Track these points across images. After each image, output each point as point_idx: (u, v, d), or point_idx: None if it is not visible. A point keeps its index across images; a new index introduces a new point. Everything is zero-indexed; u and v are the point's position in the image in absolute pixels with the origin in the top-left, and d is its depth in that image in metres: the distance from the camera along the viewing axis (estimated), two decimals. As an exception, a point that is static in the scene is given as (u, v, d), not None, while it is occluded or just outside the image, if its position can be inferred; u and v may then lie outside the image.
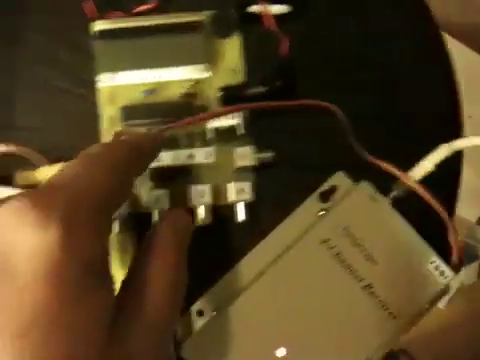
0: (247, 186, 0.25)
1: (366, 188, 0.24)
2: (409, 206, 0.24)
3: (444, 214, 0.23)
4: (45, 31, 0.27)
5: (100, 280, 0.17)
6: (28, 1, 0.27)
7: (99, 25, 0.26)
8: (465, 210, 0.70)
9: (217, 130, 0.25)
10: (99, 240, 0.17)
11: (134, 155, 0.20)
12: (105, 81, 0.26)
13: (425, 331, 0.64)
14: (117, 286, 0.24)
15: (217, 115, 0.24)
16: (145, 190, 0.26)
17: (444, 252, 0.25)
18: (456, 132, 0.26)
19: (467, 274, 0.81)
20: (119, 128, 0.26)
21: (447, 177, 0.26)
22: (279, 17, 0.25)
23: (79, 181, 0.17)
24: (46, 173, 0.25)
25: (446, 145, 0.25)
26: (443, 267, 0.24)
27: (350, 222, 0.24)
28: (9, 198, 0.16)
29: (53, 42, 0.27)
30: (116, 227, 0.25)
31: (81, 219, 0.16)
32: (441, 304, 0.78)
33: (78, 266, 0.15)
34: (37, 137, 0.26)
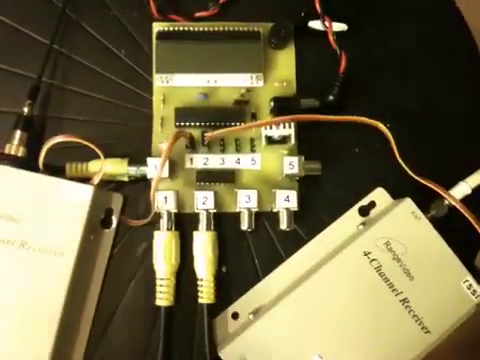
0: (293, 195, 0.26)
1: (409, 205, 0.25)
2: (446, 226, 0.26)
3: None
4: (106, 26, 0.28)
5: None
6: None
7: (160, 27, 0.27)
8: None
9: (267, 138, 0.26)
10: None
11: None
12: (161, 81, 0.27)
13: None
14: (163, 277, 0.25)
15: (271, 123, 0.25)
16: (190, 190, 0.26)
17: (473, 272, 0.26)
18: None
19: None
20: (171, 128, 0.27)
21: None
22: (336, 34, 0.26)
23: None
24: (97, 166, 0.26)
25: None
26: (475, 286, 0.25)
27: (392, 237, 0.25)
28: None
29: (114, 38, 0.27)
30: (163, 226, 0.25)
31: None
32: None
33: None
34: (90, 130, 0.27)
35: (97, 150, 0.24)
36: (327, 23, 0.25)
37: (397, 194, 0.27)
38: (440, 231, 0.25)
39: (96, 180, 0.24)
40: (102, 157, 0.25)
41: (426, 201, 0.26)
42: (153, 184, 0.24)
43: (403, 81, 0.28)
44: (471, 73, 0.29)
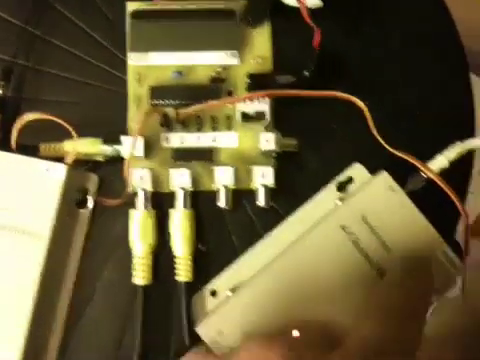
0: (269, 171, 0.26)
1: (385, 178, 0.25)
2: (423, 199, 0.26)
3: (460, 205, 0.24)
4: (80, 6, 0.27)
5: None
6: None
7: (134, 5, 0.27)
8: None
9: (243, 115, 0.26)
10: None
11: None
12: (136, 60, 0.26)
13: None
14: (140, 255, 0.25)
15: (245, 98, 0.25)
16: (167, 169, 0.26)
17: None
18: (469, 133, 0.28)
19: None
20: (146, 107, 0.26)
21: (457, 175, 0.28)
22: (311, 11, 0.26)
23: (396, 351, 0.18)
24: (71, 146, 0.25)
25: (460, 143, 0.26)
26: (453, 257, 0.25)
27: (368, 210, 0.24)
28: None
29: (88, 18, 0.27)
30: (139, 205, 0.25)
31: None
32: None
33: None
34: (64, 111, 0.26)
35: (68, 127, 0.24)
36: (300, -2, 0.25)
37: (376, 170, 0.27)
38: (421, 205, 0.25)
39: (69, 159, 0.24)
40: (74, 135, 0.24)
41: (405, 176, 0.26)
42: (126, 162, 0.24)
43: (380, 60, 0.28)
44: (452, 53, 0.29)
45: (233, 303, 0.24)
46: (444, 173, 0.26)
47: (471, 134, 0.28)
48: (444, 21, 0.29)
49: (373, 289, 0.21)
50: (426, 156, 0.27)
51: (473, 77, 0.29)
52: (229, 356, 0.17)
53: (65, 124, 0.24)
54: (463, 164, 0.27)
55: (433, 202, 0.25)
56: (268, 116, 0.26)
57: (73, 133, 0.24)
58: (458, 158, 0.26)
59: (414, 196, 0.26)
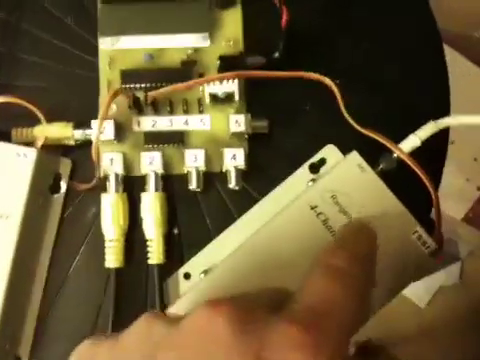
0: (241, 153, 0.26)
1: (355, 157, 0.25)
2: (395, 180, 0.25)
3: (431, 185, 0.24)
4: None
5: None
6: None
7: (103, -11, 0.27)
8: (450, 207, 0.72)
9: (213, 97, 0.26)
10: None
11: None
12: (106, 44, 0.26)
13: (406, 334, 0.63)
14: (112, 238, 0.25)
15: (212, 80, 0.25)
16: (139, 153, 0.26)
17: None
18: (444, 112, 0.27)
19: (448, 274, 0.82)
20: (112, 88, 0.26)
21: (433, 155, 0.27)
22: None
23: (341, 313, 0.17)
24: (43, 131, 0.25)
25: (433, 122, 0.25)
26: (426, 237, 0.24)
27: (338, 190, 0.24)
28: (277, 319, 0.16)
29: (60, 3, 0.27)
30: (111, 188, 0.25)
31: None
32: (421, 303, 0.79)
33: None
34: (37, 96, 0.26)
35: (37, 112, 0.24)
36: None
37: (349, 149, 0.26)
38: (398, 186, 0.25)
39: (39, 143, 0.24)
40: (43, 120, 0.25)
41: (378, 155, 0.26)
42: (94, 145, 0.24)
43: (353, 39, 0.28)
44: (427, 31, 0.28)
45: (204, 285, 0.24)
46: (419, 153, 0.26)
47: (446, 113, 0.28)
48: (418, 2, 0.29)
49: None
50: (403, 136, 0.26)
51: (449, 53, 0.28)
52: (174, 325, 0.16)
53: (33, 108, 0.24)
54: (438, 143, 0.27)
55: (411, 184, 0.25)
56: (236, 97, 0.25)
57: (41, 117, 0.24)
58: (431, 136, 0.26)
59: (390, 177, 0.25)
